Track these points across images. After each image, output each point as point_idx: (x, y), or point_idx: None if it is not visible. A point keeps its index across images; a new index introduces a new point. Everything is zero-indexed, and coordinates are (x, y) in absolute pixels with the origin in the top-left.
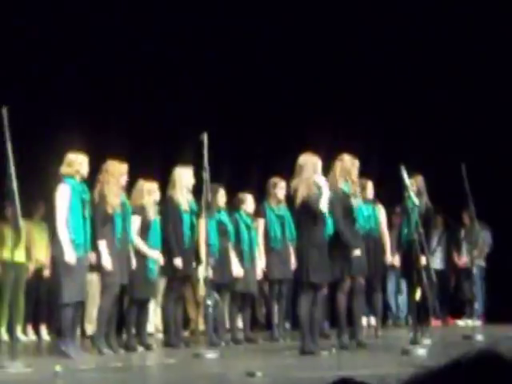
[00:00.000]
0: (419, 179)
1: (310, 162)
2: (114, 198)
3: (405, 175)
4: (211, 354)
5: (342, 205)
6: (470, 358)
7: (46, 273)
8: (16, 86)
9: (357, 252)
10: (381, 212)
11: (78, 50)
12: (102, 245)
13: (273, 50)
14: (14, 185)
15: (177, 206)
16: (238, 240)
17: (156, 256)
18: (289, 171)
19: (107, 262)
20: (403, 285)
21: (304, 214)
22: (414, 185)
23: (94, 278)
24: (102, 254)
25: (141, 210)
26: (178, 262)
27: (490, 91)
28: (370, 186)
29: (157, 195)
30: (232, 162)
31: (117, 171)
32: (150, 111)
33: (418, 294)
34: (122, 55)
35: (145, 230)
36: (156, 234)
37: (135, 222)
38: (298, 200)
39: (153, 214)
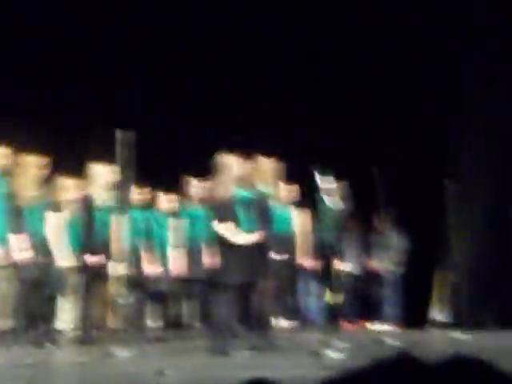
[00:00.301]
0: (342, 184)
1: (228, 163)
2: (25, 190)
3: (317, 178)
4: (123, 353)
5: (260, 206)
6: (388, 361)
7: None
8: None
9: (275, 255)
10: (301, 215)
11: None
12: (13, 238)
13: (194, 46)
14: None
15: (90, 202)
16: (150, 238)
17: (59, 258)
18: (204, 171)
19: (18, 256)
20: (313, 287)
21: (220, 214)
22: (336, 189)
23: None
24: (12, 248)
25: (54, 206)
26: (91, 258)
27: (402, 94)
28: (286, 188)
29: (73, 191)
30: (148, 159)
31: (30, 164)
32: (72, 105)
33: (330, 297)
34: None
35: (61, 227)
36: (72, 231)
37: (49, 217)
38: (216, 200)
39: (69, 211)
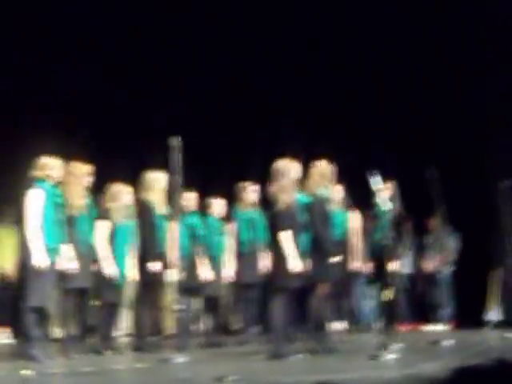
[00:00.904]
0: (392, 185)
1: (288, 168)
2: (77, 199)
3: (373, 181)
4: (180, 359)
5: (320, 210)
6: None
7: (12, 277)
8: None
9: (335, 259)
10: (355, 217)
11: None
12: (66, 248)
13: (246, 53)
14: None
15: (152, 209)
16: (205, 244)
17: (106, 266)
18: (258, 176)
19: (72, 265)
20: (370, 290)
21: (284, 222)
22: (387, 190)
23: None
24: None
25: (105, 214)
26: (155, 266)
27: (461, 97)
28: (339, 190)
29: (127, 198)
30: (203, 167)
31: (79, 172)
32: (122, 114)
33: (387, 299)
34: (90, 56)
35: (111, 235)
36: (125, 240)
37: (101, 226)
38: (279, 205)
39: (120, 218)
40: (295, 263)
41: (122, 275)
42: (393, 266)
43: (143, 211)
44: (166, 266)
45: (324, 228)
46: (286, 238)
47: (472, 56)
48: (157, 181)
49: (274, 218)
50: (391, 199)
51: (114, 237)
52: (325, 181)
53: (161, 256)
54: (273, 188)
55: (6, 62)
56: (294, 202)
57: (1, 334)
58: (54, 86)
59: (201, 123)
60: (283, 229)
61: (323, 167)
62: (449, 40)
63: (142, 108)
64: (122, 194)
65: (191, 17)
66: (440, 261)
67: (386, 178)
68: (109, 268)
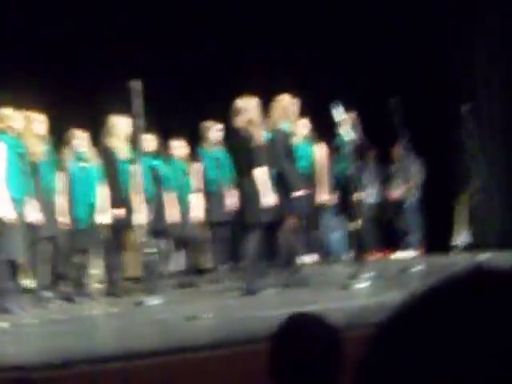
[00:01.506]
0: (353, 115)
1: (250, 104)
2: (35, 147)
3: (335, 112)
4: (153, 301)
5: (283, 145)
6: (463, 276)
7: None
8: None
9: (299, 192)
10: (320, 149)
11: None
12: (29, 198)
13: None
14: None
15: (113, 154)
16: (170, 185)
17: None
18: (218, 114)
19: (36, 215)
20: (335, 221)
21: (257, 159)
22: (348, 121)
23: None
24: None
25: (60, 163)
26: (118, 211)
27: (421, 20)
28: (305, 123)
29: (81, 142)
30: (164, 108)
31: (27, 120)
32: (81, 60)
33: (351, 228)
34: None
35: (69, 181)
36: (80, 184)
37: (58, 176)
38: (254, 140)
39: (71, 164)
40: (270, 198)
41: (83, 221)
42: (358, 195)
43: (105, 157)
44: (131, 210)
45: (288, 162)
46: (263, 174)
47: None
48: (118, 125)
49: (249, 154)
50: (353, 129)
51: (71, 183)
52: (288, 115)
53: (125, 201)
54: (239, 123)
55: None
56: (263, 139)
57: None
58: (9, 31)
59: (161, 64)
60: (260, 164)
61: (285, 101)
62: None
63: (103, 50)
64: (76, 139)
65: None
66: (405, 188)
67: (347, 109)
68: (66, 216)
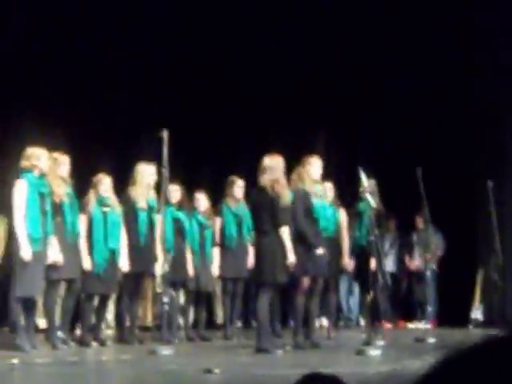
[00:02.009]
0: (372, 182)
1: (278, 163)
2: (57, 187)
3: (363, 177)
4: (166, 351)
5: (304, 204)
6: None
7: None
8: None
9: (319, 251)
10: (342, 214)
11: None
12: (52, 237)
13: (230, 49)
14: None
15: (133, 203)
16: (192, 238)
17: (84, 261)
18: (245, 171)
19: (58, 257)
20: (355, 287)
21: (283, 217)
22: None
23: None
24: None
25: (83, 206)
26: (127, 259)
27: (447, 96)
28: (330, 187)
29: (105, 187)
30: (190, 161)
31: (53, 162)
32: (110, 109)
33: (369, 296)
34: (83, 53)
35: (89, 225)
36: (99, 229)
37: (81, 219)
38: (282, 199)
39: (93, 208)
40: (292, 258)
41: (101, 266)
42: (374, 263)
43: (126, 204)
44: (149, 259)
45: (307, 222)
46: (286, 233)
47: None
48: (140, 173)
49: (276, 213)
50: (372, 196)
51: (92, 226)
52: (311, 176)
53: (142, 249)
54: (266, 182)
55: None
56: (288, 198)
57: None
58: (42, 76)
59: (188, 117)
60: (285, 224)
61: (310, 163)
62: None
63: (131, 100)
64: (100, 184)
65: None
66: (425, 259)
67: (368, 175)
68: (86, 259)
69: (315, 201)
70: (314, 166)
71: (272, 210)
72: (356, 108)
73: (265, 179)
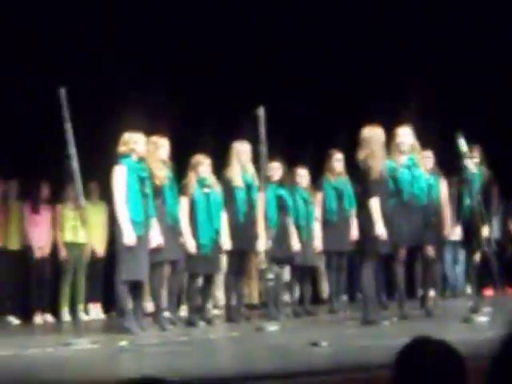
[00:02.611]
0: (478, 149)
1: (375, 135)
2: (158, 171)
3: (462, 144)
4: (273, 327)
5: (389, 177)
6: None
7: (101, 252)
8: (73, 67)
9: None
10: (442, 183)
11: (133, 32)
12: (153, 220)
13: (330, 24)
14: (76, 165)
15: (229, 181)
16: (296, 214)
17: (188, 243)
18: (344, 144)
19: (159, 239)
20: (460, 255)
21: (374, 189)
22: (475, 154)
23: None
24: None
25: (184, 188)
26: (228, 238)
27: None
28: (429, 156)
29: (205, 168)
30: (288, 136)
31: (153, 145)
32: (205, 88)
33: (477, 260)
34: (176, 33)
35: (191, 207)
36: (202, 210)
37: (182, 201)
38: (372, 173)
39: (195, 190)
40: (382, 230)
41: (207, 246)
42: (484, 230)
43: (222, 184)
44: (250, 237)
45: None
46: (375, 205)
47: None
48: (234, 152)
49: (366, 185)
50: (480, 163)
51: (193, 208)
52: (402, 147)
53: (242, 227)
54: (361, 155)
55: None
56: (384, 169)
57: (92, 309)
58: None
59: (287, 92)
60: (372, 195)
61: (405, 132)
62: None
63: (225, 78)
64: (200, 165)
65: None
66: None
67: (470, 142)
68: (190, 241)
69: (403, 172)
70: (402, 136)
71: (363, 182)
72: (459, 74)
73: (361, 152)
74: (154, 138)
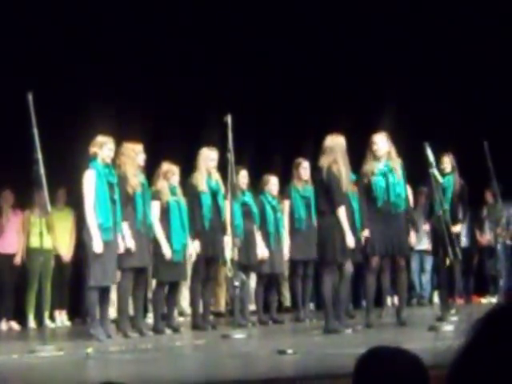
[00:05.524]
0: (451, 157)
1: (338, 143)
2: (133, 177)
3: (429, 152)
4: (239, 335)
5: (363, 183)
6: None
7: (67, 258)
8: (40, 72)
9: (365, 233)
10: (408, 191)
11: (100, 37)
12: (125, 226)
13: (298, 31)
14: (42, 171)
15: (195, 187)
16: (263, 222)
17: (165, 249)
18: (312, 152)
19: (130, 244)
20: (427, 264)
21: (339, 199)
22: (447, 162)
23: None
24: (124, 236)
25: (156, 194)
26: (196, 244)
27: None
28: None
29: (175, 178)
30: (255, 144)
31: (132, 152)
32: (174, 94)
33: (445, 267)
34: (145, 38)
35: (163, 214)
36: (176, 217)
37: (154, 206)
38: (333, 180)
39: (169, 197)
40: (350, 239)
41: (178, 252)
42: (456, 228)
43: (188, 190)
44: (216, 244)
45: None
46: (342, 214)
47: None
48: (201, 158)
49: (332, 195)
50: (452, 171)
51: (165, 215)
52: (378, 154)
53: (208, 234)
54: (324, 163)
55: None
56: (346, 177)
57: (58, 316)
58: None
59: (253, 100)
60: (339, 205)
61: (376, 140)
62: None
63: (195, 86)
64: (168, 173)
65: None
66: (495, 233)
67: (440, 150)
68: (165, 247)
69: (378, 179)
70: (377, 143)
71: (327, 191)
72: (423, 82)
73: (323, 160)
74: (131, 145)
